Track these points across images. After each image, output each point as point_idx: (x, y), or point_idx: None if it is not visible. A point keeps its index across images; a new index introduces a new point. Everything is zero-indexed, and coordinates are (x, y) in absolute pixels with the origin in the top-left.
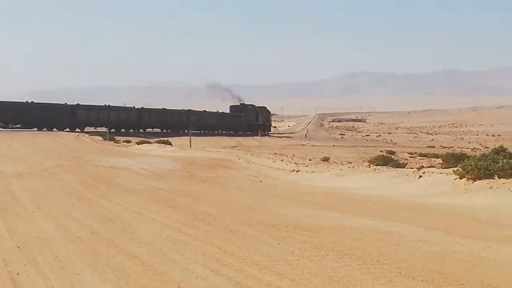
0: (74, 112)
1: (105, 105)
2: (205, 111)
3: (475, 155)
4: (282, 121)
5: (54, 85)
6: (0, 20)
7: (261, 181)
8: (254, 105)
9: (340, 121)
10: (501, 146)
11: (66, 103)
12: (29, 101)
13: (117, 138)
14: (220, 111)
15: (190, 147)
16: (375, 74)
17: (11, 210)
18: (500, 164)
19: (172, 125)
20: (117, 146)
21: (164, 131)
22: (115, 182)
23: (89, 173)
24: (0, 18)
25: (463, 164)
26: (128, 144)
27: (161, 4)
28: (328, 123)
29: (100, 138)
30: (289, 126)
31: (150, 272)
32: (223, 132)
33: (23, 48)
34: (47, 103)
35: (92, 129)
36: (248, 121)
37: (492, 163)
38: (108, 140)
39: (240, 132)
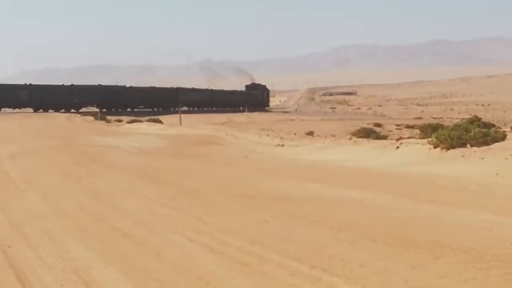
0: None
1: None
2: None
3: (448, 125)
4: (273, 96)
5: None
6: None
7: (247, 156)
8: (262, 84)
9: (331, 94)
10: (475, 116)
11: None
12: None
13: (109, 118)
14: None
15: (180, 124)
16: (365, 46)
17: (2, 189)
18: (472, 133)
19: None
20: (108, 125)
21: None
22: (105, 160)
23: (79, 152)
24: None
25: (436, 134)
26: (119, 123)
27: None
28: (319, 97)
29: (92, 118)
30: (280, 101)
31: (132, 241)
32: (239, 108)
33: None
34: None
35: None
36: (259, 98)
37: (464, 132)
38: (100, 120)
39: (257, 108)
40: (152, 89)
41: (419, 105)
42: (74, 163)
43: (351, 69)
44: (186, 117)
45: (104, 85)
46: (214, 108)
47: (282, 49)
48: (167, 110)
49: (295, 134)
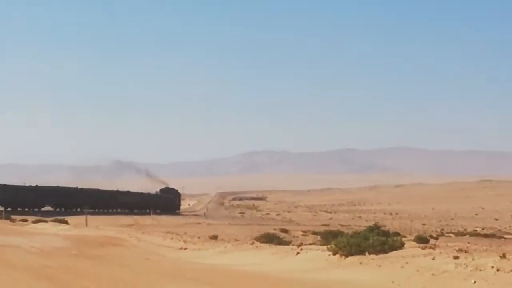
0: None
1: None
2: (129, 191)
3: (347, 233)
4: (183, 199)
5: None
6: None
7: (148, 258)
8: (175, 188)
9: (241, 199)
10: (376, 224)
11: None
12: None
13: (14, 217)
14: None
15: (86, 225)
16: (275, 152)
17: None
18: (370, 241)
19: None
20: (12, 224)
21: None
22: (3, 259)
23: None
24: None
25: (336, 241)
26: (24, 222)
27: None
28: (229, 201)
29: None
30: (189, 204)
31: None
32: (157, 211)
33: None
34: None
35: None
36: (172, 201)
37: (363, 240)
38: (4, 219)
39: (170, 211)
40: (98, 191)
41: (327, 212)
42: None
43: (261, 175)
44: (94, 219)
45: (61, 186)
46: (144, 210)
47: (191, 152)
48: (107, 211)
49: (198, 237)
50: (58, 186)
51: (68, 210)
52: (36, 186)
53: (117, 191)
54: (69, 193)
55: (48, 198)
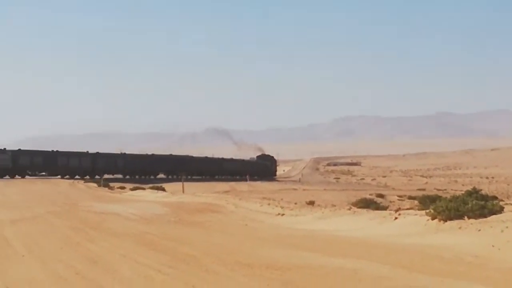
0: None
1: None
2: (232, 158)
3: (445, 197)
4: (278, 166)
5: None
6: None
7: (246, 224)
8: (271, 155)
9: (335, 164)
10: (474, 188)
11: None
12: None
13: (112, 184)
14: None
15: (183, 192)
16: (369, 117)
17: (2, 254)
18: (469, 205)
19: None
20: (111, 192)
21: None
22: (104, 227)
23: (79, 219)
24: None
25: (434, 206)
26: (122, 190)
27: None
28: (323, 167)
29: (95, 185)
30: (284, 171)
31: None
32: (255, 177)
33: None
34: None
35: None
36: (269, 168)
37: (462, 204)
38: (103, 186)
39: (267, 177)
40: (206, 159)
41: (423, 176)
42: (73, 229)
43: (355, 140)
44: (190, 185)
45: (174, 154)
46: (244, 176)
47: (286, 119)
48: (212, 178)
49: (295, 203)
50: (171, 155)
51: (179, 177)
52: (152, 154)
53: (223, 158)
54: (181, 161)
55: (162, 166)
